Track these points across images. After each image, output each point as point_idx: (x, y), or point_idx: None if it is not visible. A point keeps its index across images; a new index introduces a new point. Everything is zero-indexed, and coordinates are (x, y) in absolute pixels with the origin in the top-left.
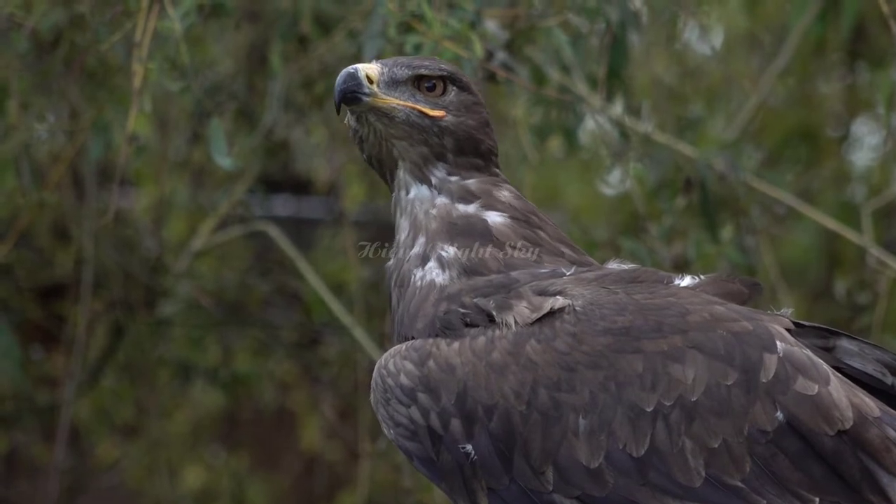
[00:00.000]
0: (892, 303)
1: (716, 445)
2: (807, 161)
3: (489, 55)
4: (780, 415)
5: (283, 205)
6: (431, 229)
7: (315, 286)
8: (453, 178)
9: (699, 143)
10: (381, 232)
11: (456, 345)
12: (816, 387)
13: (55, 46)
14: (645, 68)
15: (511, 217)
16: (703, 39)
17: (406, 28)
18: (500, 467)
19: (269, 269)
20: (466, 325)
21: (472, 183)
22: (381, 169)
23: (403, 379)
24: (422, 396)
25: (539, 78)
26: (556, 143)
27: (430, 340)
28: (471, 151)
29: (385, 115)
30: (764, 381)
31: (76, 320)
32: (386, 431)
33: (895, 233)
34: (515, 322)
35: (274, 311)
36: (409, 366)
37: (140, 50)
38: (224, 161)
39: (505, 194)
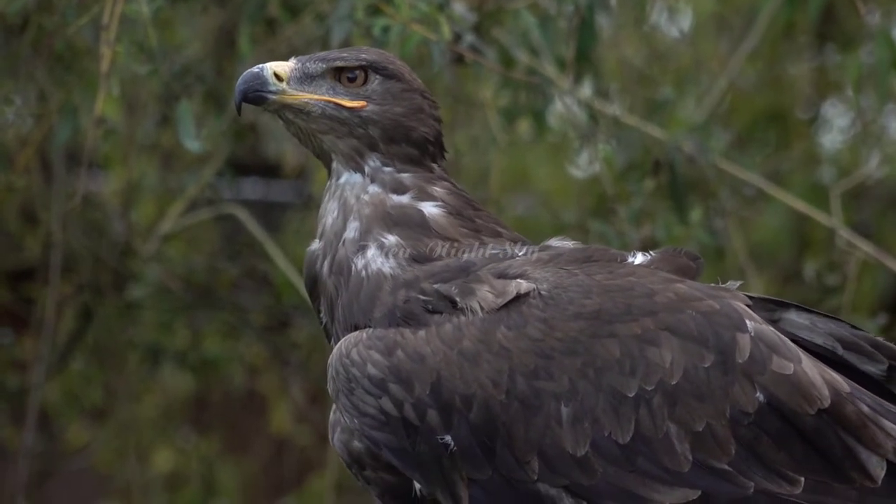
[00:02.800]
0: (861, 284)
1: (700, 429)
2: (776, 143)
3: (457, 37)
4: (759, 395)
5: (252, 188)
6: (365, 214)
7: (284, 269)
8: (387, 169)
9: (668, 125)
10: None
11: (422, 333)
12: (791, 366)
13: (23, 30)
14: (614, 50)
15: (447, 211)
16: (672, 22)
17: (374, 10)
18: (482, 458)
19: (238, 252)
20: (429, 311)
21: (405, 177)
22: (323, 161)
23: (371, 369)
24: (393, 387)
25: (507, 60)
26: (524, 126)
27: (393, 330)
28: (402, 139)
29: (299, 110)
30: (740, 361)
31: (45, 304)
32: (348, 421)
33: (865, 214)
34: (481, 308)
35: (243, 295)
36: (376, 355)
37: (108, 33)
38: (192, 144)
39: (438, 190)
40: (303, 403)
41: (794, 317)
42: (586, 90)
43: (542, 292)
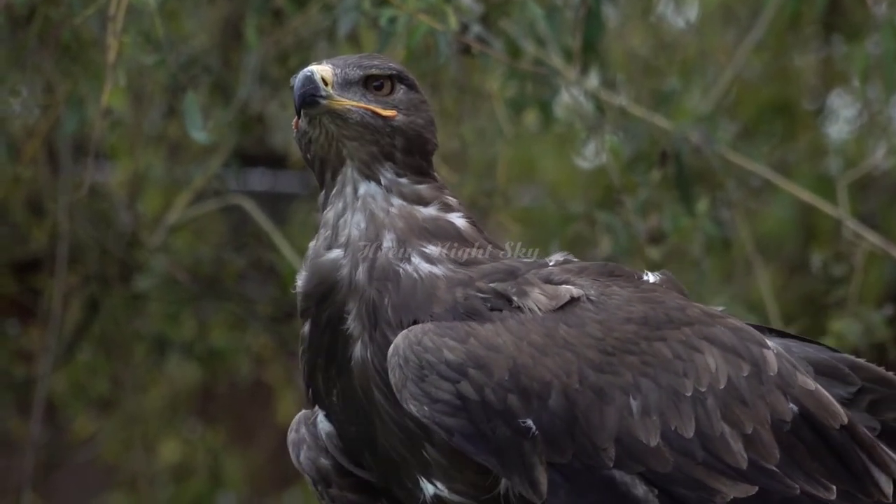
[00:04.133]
0: (867, 275)
1: (749, 432)
2: (782, 134)
3: (464, 28)
4: (793, 406)
5: (259, 179)
6: (399, 227)
7: (290, 260)
8: (403, 180)
9: (674, 116)
10: None
11: (490, 326)
12: (812, 383)
13: (29, 21)
14: (620, 41)
15: (469, 221)
16: (679, 12)
17: (381, 1)
18: (563, 441)
19: (244, 243)
20: (489, 308)
21: (423, 188)
22: (322, 168)
23: (448, 354)
24: (472, 371)
25: (514, 51)
26: (531, 117)
27: (459, 322)
28: (418, 151)
29: (339, 116)
30: (771, 374)
31: (51, 294)
32: (414, 409)
33: (871, 205)
34: (538, 308)
35: (250, 286)
36: (451, 342)
37: (114, 24)
38: (199, 135)
39: (452, 200)
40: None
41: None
42: (593, 81)
43: (591, 297)
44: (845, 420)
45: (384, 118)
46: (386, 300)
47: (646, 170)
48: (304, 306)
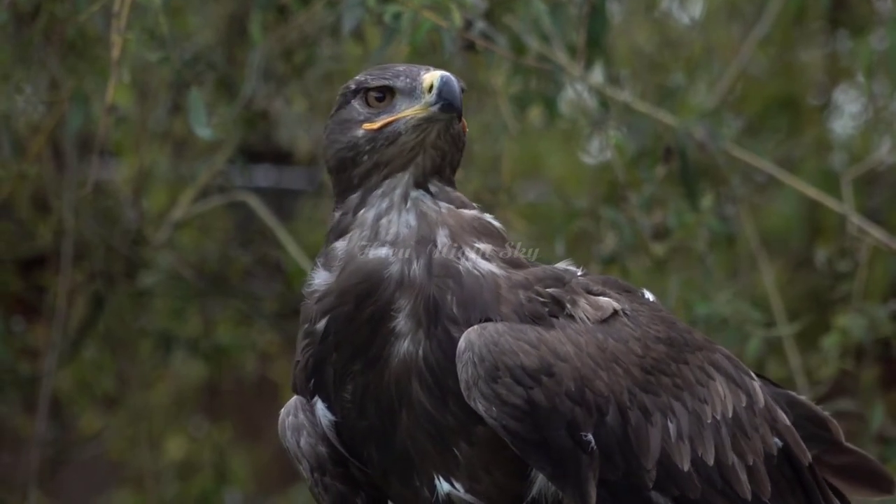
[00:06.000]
0: (872, 271)
1: (751, 463)
2: (788, 130)
3: (468, 24)
4: (777, 441)
5: (265, 175)
6: (451, 224)
7: (296, 257)
8: (448, 188)
9: (679, 111)
10: None
11: (554, 333)
12: (787, 419)
13: (34, 18)
14: (625, 37)
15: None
16: (683, 8)
17: None
18: (615, 458)
19: (250, 239)
20: (549, 315)
21: (459, 195)
22: (373, 170)
23: (525, 359)
24: (546, 379)
25: (518, 47)
26: (536, 113)
27: (528, 326)
28: (457, 163)
29: (451, 126)
30: (761, 406)
31: (57, 291)
32: (482, 409)
33: (876, 201)
34: (587, 318)
35: (255, 282)
36: (527, 347)
37: (119, 20)
38: (204, 131)
39: (476, 205)
40: None
41: None
42: (597, 77)
43: (627, 312)
44: (810, 458)
45: (462, 129)
46: (449, 296)
47: (650, 166)
48: (333, 304)
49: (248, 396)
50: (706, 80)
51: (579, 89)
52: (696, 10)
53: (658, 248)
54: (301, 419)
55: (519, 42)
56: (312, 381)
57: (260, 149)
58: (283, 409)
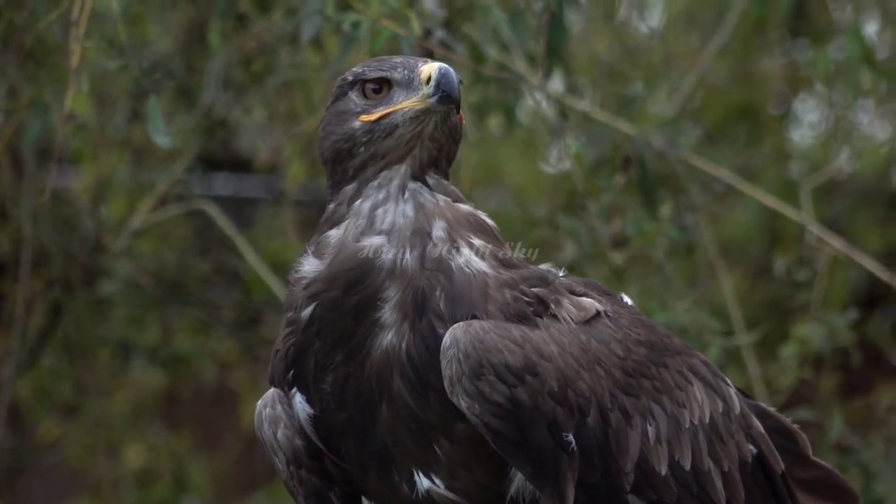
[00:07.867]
0: (832, 280)
1: (726, 470)
2: (747, 139)
3: (427, 33)
4: (752, 448)
5: (224, 183)
6: (448, 217)
7: (255, 265)
8: (444, 182)
9: (638, 120)
10: (322, 211)
11: (538, 332)
12: (761, 426)
13: None
14: (584, 46)
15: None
16: (643, 17)
17: (344, 6)
18: (595, 460)
19: (208, 248)
20: (533, 314)
21: (454, 189)
22: (369, 161)
23: (510, 357)
24: (530, 378)
25: (478, 56)
26: (495, 121)
27: (514, 325)
28: (452, 159)
29: (448, 118)
30: (736, 413)
31: (15, 299)
32: (465, 405)
33: (836, 210)
34: (571, 318)
35: (214, 290)
36: (512, 345)
37: (78, 28)
38: (162, 140)
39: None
40: None
41: None
42: (556, 86)
43: (609, 314)
44: (783, 466)
45: (460, 120)
46: (438, 291)
47: (609, 174)
48: (319, 290)
49: (206, 404)
50: (665, 89)
51: (538, 98)
52: (656, 19)
53: (617, 257)
54: (278, 411)
55: (478, 51)
56: (292, 371)
57: (219, 157)
58: (259, 401)
